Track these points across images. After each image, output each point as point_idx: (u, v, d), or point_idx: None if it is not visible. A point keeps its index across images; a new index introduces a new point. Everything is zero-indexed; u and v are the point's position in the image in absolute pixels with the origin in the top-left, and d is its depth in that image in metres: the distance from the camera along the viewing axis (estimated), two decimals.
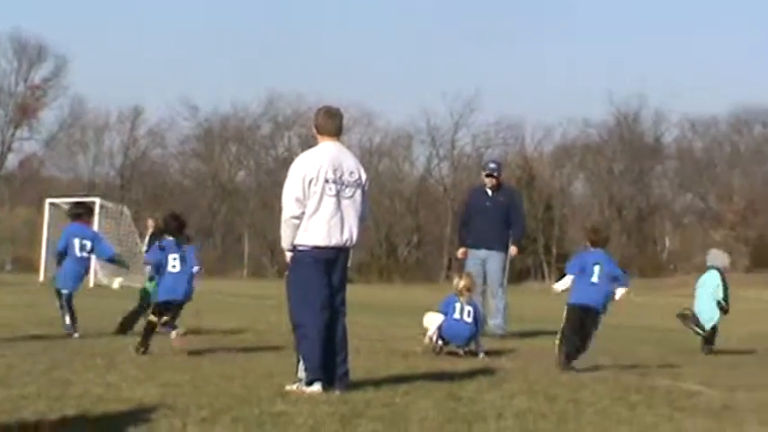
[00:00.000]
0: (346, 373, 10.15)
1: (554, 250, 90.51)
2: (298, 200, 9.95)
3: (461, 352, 14.19)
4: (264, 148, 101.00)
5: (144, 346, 13.01)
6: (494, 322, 18.22)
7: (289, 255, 10.27)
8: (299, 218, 9.97)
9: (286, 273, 10.42)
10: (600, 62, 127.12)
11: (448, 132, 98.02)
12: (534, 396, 10.17)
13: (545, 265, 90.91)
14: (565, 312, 13.36)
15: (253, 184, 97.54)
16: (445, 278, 77.67)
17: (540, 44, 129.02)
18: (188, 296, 13.58)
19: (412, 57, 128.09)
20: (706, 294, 17.26)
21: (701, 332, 17.10)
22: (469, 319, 14.16)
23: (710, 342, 17.07)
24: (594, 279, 13.14)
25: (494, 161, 20.87)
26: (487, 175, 18.81)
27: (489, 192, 18.82)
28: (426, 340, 14.37)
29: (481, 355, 14.09)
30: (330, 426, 8.14)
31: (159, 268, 13.56)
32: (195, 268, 13.59)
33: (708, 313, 17.08)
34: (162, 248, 13.56)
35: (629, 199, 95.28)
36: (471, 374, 11.63)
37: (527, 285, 76.70)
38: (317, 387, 9.84)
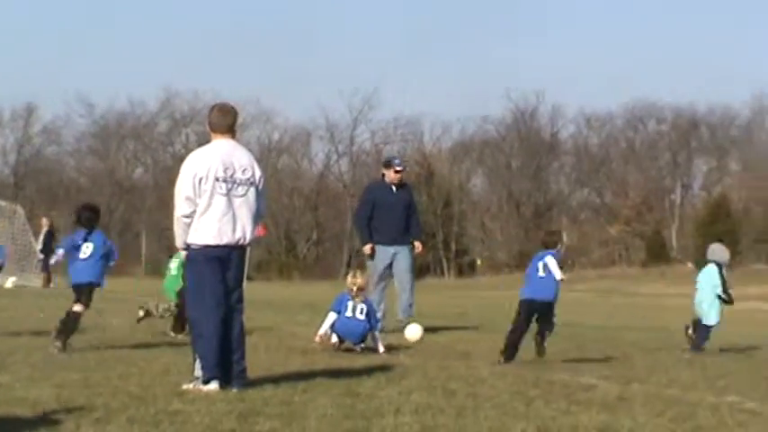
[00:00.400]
0: (243, 371, 10.08)
1: (453, 246, 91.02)
2: (188, 198, 9.87)
3: (358, 349, 14.18)
4: (162, 146, 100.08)
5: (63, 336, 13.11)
6: (404, 315, 18.17)
7: (183, 254, 10.21)
8: (190, 217, 9.89)
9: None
10: (497, 59, 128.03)
11: (347, 129, 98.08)
12: (433, 391, 10.18)
13: (444, 260, 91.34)
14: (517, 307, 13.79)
15: (150, 181, 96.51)
16: (344, 275, 77.60)
17: (437, 42, 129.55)
18: (98, 280, 13.75)
19: (310, 54, 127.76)
20: (708, 288, 17.49)
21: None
22: (362, 317, 14.16)
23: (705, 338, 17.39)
24: (541, 273, 13.68)
25: (397, 158, 20.90)
26: (396, 171, 18.70)
27: (394, 188, 18.74)
28: (317, 339, 14.32)
29: (381, 350, 14.09)
30: (227, 424, 8.06)
31: (72, 254, 13.75)
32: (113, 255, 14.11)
33: (708, 305, 17.36)
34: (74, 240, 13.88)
35: (526, 194, 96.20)
36: (369, 371, 11.61)
37: (426, 281, 76.98)
38: (213, 385, 9.75)
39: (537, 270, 13.73)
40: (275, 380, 10.36)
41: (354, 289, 14.37)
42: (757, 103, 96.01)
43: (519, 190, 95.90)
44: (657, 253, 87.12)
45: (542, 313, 13.60)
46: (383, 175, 18.91)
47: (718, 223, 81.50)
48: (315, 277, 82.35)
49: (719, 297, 17.29)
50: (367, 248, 18.70)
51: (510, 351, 13.37)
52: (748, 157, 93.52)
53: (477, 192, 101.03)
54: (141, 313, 16.81)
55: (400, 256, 18.54)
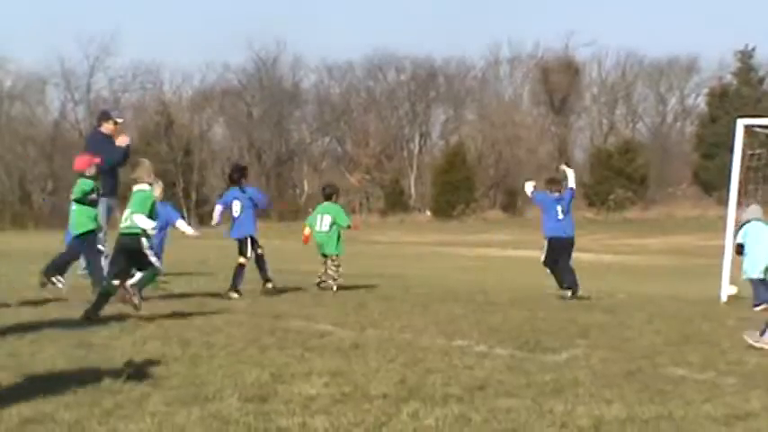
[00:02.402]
0: None
1: (194, 195, 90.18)
2: None
3: None
4: None
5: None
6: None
7: None
8: None
9: None
10: (239, 6, 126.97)
11: (83, 76, 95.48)
12: (168, 341, 10.08)
13: (185, 209, 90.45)
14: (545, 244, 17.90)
15: None
16: None
17: None
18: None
19: None
20: (762, 244, 18.01)
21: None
22: None
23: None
24: (560, 216, 17.94)
25: (116, 110, 20.64)
26: (116, 123, 18.12)
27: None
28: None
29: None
30: None
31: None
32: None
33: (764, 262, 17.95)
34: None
35: (268, 144, 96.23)
36: (104, 321, 11.39)
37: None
38: None
39: (556, 212, 17.85)
40: (2, 332, 10.02)
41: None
42: (492, 54, 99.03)
43: (260, 139, 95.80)
44: (396, 201, 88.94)
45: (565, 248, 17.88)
46: (98, 126, 18.22)
47: (455, 171, 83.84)
48: (50, 227, 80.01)
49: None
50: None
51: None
52: (483, 106, 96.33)
53: (218, 141, 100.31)
54: None
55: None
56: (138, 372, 8.21)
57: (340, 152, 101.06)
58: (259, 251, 17.01)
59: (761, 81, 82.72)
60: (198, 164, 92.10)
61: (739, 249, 18.27)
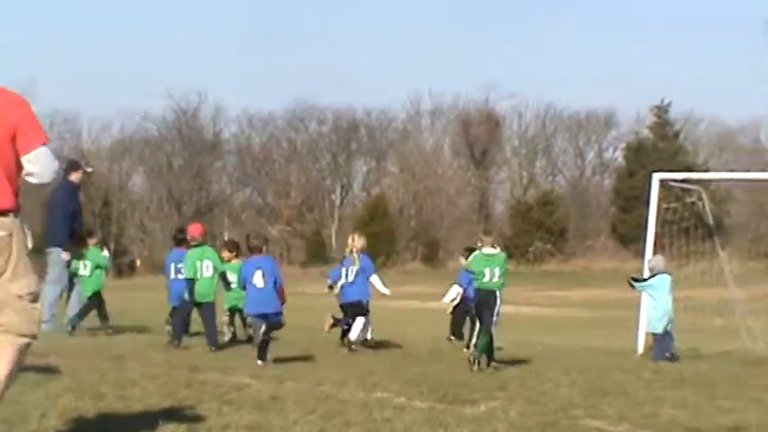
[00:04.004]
0: None
1: (112, 246, 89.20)
2: None
3: None
4: None
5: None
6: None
7: None
8: None
9: None
10: (158, 55, 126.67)
11: None
12: (81, 395, 9.91)
13: None
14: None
15: None
16: None
17: (97, 36, 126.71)
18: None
19: None
20: (668, 295, 18.46)
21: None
22: None
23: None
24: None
25: (83, 160, 21.42)
26: (85, 173, 18.98)
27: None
28: None
29: None
30: None
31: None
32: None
33: (670, 314, 18.41)
34: None
35: (188, 194, 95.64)
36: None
37: None
38: None
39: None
40: None
41: None
42: (413, 106, 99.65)
43: (180, 189, 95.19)
44: (317, 253, 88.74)
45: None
46: (67, 174, 18.71)
47: (376, 223, 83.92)
48: None
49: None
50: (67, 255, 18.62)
51: None
52: (405, 158, 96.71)
53: (137, 191, 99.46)
54: None
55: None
56: (50, 427, 8.08)
57: (261, 203, 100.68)
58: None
59: (676, 135, 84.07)
60: (117, 214, 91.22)
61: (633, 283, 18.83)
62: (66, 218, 18.76)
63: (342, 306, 18.18)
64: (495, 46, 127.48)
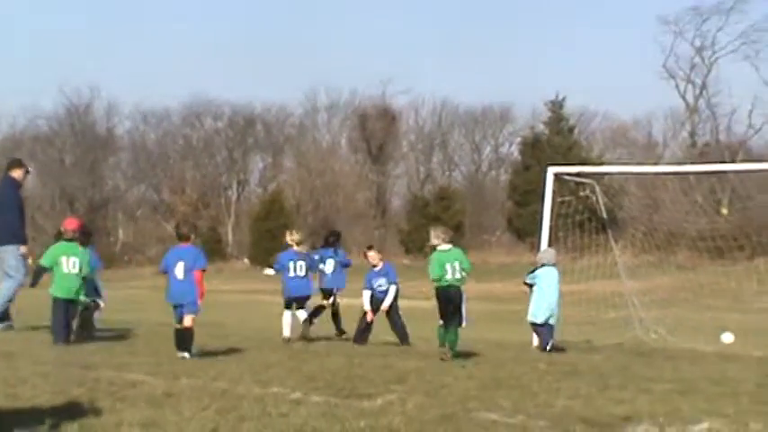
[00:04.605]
0: None
1: None
2: None
3: None
4: None
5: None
6: None
7: None
8: None
9: None
10: (50, 50, 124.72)
11: None
12: None
13: None
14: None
15: None
16: None
17: None
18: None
19: None
20: (555, 288, 18.40)
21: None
22: None
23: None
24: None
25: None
26: (27, 172, 19.62)
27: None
28: None
29: None
30: None
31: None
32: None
33: (556, 306, 18.40)
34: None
35: (81, 191, 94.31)
36: None
37: None
38: None
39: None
40: None
41: None
42: (310, 102, 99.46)
43: (73, 186, 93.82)
44: (214, 249, 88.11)
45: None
46: (9, 171, 18.97)
47: (273, 219, 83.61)
48: None
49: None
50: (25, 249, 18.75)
51: None
52: (302, 154, 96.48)
53: (29, 188, 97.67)
54: None
55: None
56: None
57: (156, 200, 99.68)
58: None
59: (571, 130, 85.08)
60: None
61: (528, 287, 18.88)
62: (16, 213, 18.74)
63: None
64: (390, 41, 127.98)
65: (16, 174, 19.12)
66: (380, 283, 18.98)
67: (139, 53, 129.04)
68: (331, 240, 20.86)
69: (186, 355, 14.50)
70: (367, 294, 18.95)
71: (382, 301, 18.88)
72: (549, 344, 17.88)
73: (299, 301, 19.32)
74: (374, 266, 19.13)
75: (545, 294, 18.30)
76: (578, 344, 19.59)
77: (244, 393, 10.44)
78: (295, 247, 19.53)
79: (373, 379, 12.08)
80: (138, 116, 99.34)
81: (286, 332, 18.78)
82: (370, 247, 19.77)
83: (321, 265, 20.20)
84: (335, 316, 20.21)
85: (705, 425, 9.16)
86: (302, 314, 19.25)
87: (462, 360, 15.21)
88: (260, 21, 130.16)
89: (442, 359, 15.16)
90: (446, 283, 15.86)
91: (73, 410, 8.97)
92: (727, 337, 20.55)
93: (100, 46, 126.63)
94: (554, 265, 18.72)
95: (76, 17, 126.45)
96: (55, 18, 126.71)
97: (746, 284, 25.45)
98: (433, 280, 16.04)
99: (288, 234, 20.01)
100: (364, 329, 18.96)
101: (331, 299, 20.00)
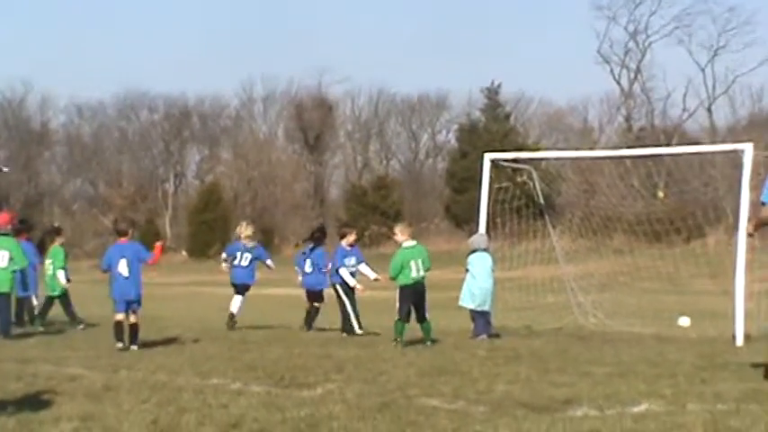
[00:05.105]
0: None
1: None
2: None
3: None
4: None
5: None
6: None
7: None
8: None
9: None
10: None
11: None
12: None
13: None
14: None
15: None
16: None
17: None
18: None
19: None
20: (487, 274, 18.23)
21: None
22: None
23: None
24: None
25: None
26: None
27: None
28: None
29: None
30: None
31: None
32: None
33: (491, 292, 18.26)
34: None
35: (16, 185, 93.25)
36: None
37: None
38: None
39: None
40: None
41: None
42: (246, 92, 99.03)
43: (7, 180, 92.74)
44: (151, 242, 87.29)
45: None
46: None
47: (210, 211, 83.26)
48: None
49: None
50: None
51: None
52: (239, 145, 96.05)
53: None
54: None
55: None
56: None
57: (92, 193, 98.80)
58: None
59: (507, 116, 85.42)
60: None
61: None
62: None
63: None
64: (326, 30, 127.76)
65: None
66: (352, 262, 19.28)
67: (72, 46, 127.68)
68: (316, 236, 21.01)
69: (135, 347, 14.54)
70: (345, 271, 19.07)
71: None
72: (484, 335, 17.82)
73: (240, 288, 20.55)
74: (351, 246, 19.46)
75: (477, 280, 18.30)
76: (518, 329, 19.69)
77: (183, 385, 10.40)
78: (243, 240, 20.70)
79: (313, 368, 12.07)
80: (72, 109, 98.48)
81: (233, 308, 20.34)
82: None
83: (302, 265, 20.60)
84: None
85: (644, 406, 9.24)
86: (237, 300, 20.46)
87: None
88: (193, 9, 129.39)
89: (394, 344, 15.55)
90: (412, 281, 16.31)
91: (10, 406, 8.87)
92: (684, 321, 20.74)
93: (32, 39, 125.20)
94: (486, 249, 18.74)
95: (6, 8, 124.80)
96: None
97: (683, 267, 25.65)
98: (392, 278, 16.23)
99: (239, 227, 21.36)
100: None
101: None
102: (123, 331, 14.97)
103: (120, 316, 14.99)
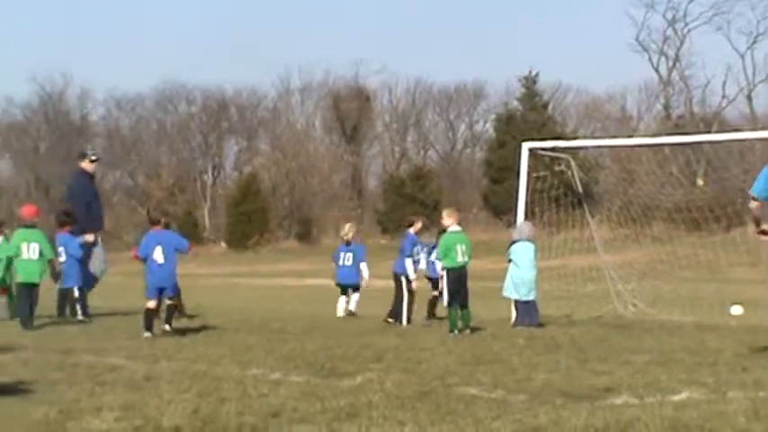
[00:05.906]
0: None
1: None
2: None
3: None
4: None
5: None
6: None
7: None
8: None
9: None
10: (20, 38, 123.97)
11: None
12: None
13: None
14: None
15: None
16: None
17: None
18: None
19: None
20: (531, 263, 18.39)
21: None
22: None
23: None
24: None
25: (89, 149, 22.49)
26: (92, 161, 21.02)
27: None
28: None
29: None
30: None
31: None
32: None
33: (534, 281, 18.45)
34: None
35: (57, 178, 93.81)
36: None
37: None
38: None
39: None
40: None
41: None
42: (283, 84, 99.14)
43: (48, 173, 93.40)
44: (190, 234, 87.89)
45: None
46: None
47: (249, 202, 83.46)
48: None
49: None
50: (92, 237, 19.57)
51: None
52: (276, 137, 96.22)
53: (5, 177, 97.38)
54: None
55: None
56: None
57: (131, 185, 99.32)
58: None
59: (545, 106, 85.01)
60: None
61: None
62: (83, 205, 19.82)
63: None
64: (363, 21, 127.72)
65: (84, 165, 19.83)
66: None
67: (111, 38, 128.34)
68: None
69: (167, 327, 14.72)
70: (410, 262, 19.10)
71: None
72: (528, 322, 17.79)
73: (348, 288, 21.58)
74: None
75: (520, 269, 18.29)
76: (557, 318, 19.64)
77: (223, 375, 10.45)
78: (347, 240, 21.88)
79: (352, 358, 12.09)
80: (111, 102, 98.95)
81: (339, 312, 21.32)
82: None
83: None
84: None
85: (684, 395, 9.20)
86: (355, 297, 21.60)
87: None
88: (231, 1, 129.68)
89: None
90: (458, 265, 16.62)
91: (52, 395, 8.96)
92: (736, 309, 20.55)
93: (71, 32, 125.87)
94: (530, 239, 18.71)
95: (45, 2, 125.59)
96: (24, 5, 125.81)
97: (723, 256, 25.48)
98: (442, 260, 16.98)
99: (341, 229, 22.76)
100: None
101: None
102: (153, 320, 15.16)
103: (151, 303, 15.22)
